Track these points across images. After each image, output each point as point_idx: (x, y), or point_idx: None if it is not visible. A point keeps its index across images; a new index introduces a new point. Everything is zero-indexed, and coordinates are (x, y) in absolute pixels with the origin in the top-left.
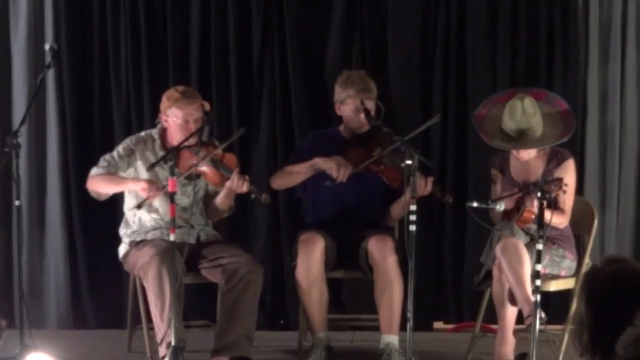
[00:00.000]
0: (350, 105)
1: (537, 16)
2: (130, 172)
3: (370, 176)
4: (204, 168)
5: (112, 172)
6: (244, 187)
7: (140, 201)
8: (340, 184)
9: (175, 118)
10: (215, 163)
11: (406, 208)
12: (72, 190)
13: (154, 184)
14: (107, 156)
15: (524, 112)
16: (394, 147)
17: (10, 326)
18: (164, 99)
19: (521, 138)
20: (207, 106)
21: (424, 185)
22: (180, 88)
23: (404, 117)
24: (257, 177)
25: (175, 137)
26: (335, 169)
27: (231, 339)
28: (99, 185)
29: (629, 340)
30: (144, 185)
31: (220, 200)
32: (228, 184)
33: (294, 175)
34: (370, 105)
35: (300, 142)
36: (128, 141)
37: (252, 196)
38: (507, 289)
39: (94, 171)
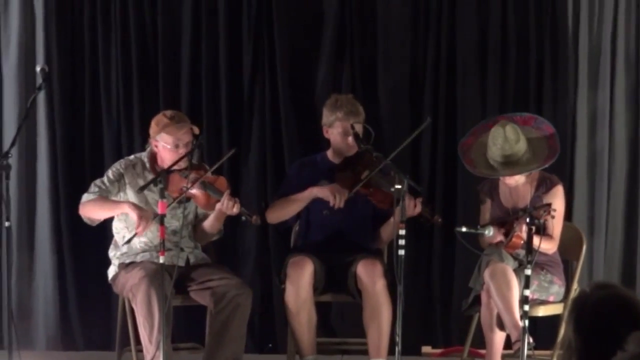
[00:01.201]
0: (338, 128)
1: (526, 41)
2: (121, 195)
3: (359, 199)
4: (195, 191)
5: (104, 197)
6: (235, 209)
7: (130, 236)
8: (333, 209)
9: (165, 143)
10: (206, 186)
11: (395, 231)
12: (62, 211)
13: (146, 214)
14: (97, 181)
15: (506, 139)
16: (382, 169)
17: None
18: (153, 124)
19: (505, 165)
20: (196, 130)
21: (413, 206)
22: (169, 113)
23: (394, 142)
24: (247, 200)
25: (165, 161)
26: (332, 196)
27: None
28: (92, 211)
29: None
30: (136, 216)
31: (210, 223)
32: (219, 206)
33: (292, 204)
34: (359, 128)
35: (288, 171)
36: (117, 165)
37: (243, 218)
38: (495, 314)
39: (85, 197)
